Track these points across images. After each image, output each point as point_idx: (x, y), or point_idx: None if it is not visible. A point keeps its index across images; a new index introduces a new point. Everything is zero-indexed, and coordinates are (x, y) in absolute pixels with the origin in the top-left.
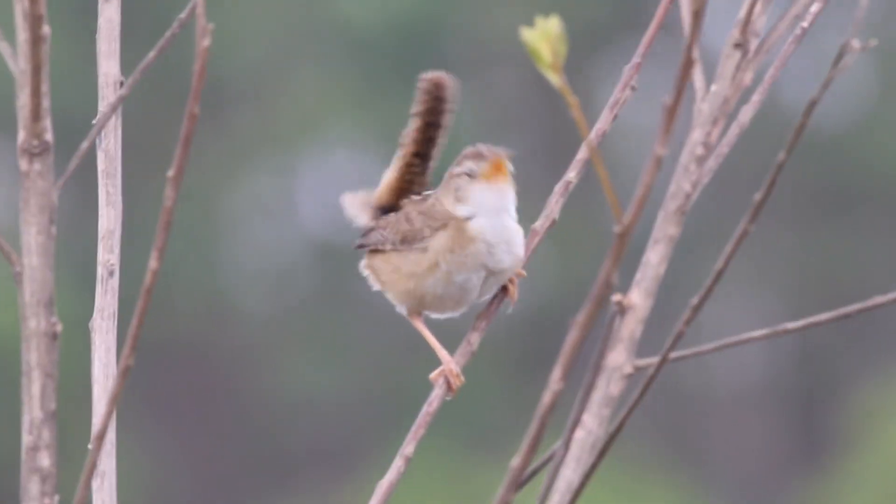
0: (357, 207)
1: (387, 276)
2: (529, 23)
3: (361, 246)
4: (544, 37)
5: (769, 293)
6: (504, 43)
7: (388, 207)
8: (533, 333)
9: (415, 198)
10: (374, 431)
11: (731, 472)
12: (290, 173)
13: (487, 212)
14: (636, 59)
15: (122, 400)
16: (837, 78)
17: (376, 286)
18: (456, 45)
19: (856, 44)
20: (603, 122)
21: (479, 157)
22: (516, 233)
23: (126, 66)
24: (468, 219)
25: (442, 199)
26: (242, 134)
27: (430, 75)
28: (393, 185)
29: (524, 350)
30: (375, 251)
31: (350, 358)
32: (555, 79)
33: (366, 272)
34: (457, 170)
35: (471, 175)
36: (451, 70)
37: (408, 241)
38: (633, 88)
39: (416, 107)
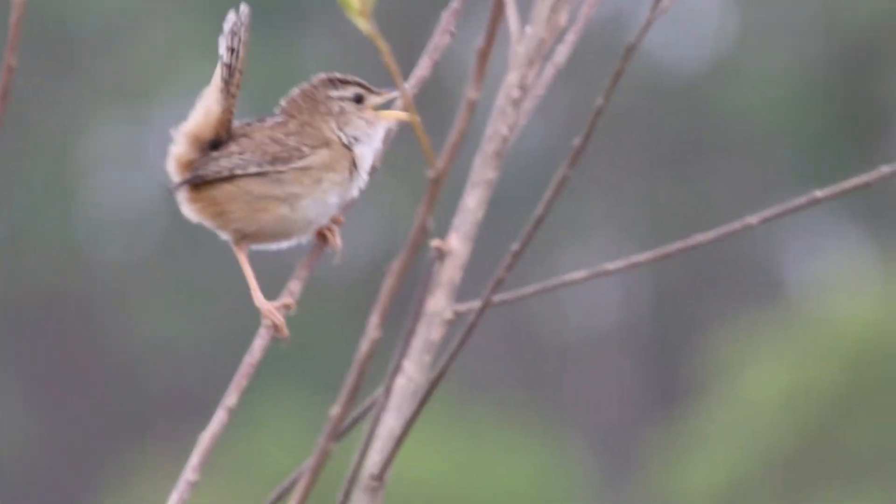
0: (174, 143)
1: (242, 205)
2: None
3: (196, 178)
4: None
5: (627, 241)
6: None
7: (213, 141)
8: (362, 278)
9: (261, 123)
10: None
11: (588, 418)
12: (143, 122)
13: (368, 141)
14: (454, 4)
15: None
16: (702, 17)
17: (209, 220)
18: None
19: None
20: (422, 68)
21: (364, 86)
22: (369, 166)
23: None
24: (350, 143)
25: (314, 121)
26: (96, 83)
27: (246, 8)
28: (220, 118)
29: (355, 295)
30: (218, 182)
31: (204, 303)
32: (363, 25)
33: (193, 206)
34: (336, 93)
35: (359, 101)
36: (302, 14)
37: (281, 160)
38: (451, 34)
39: (241, 39)
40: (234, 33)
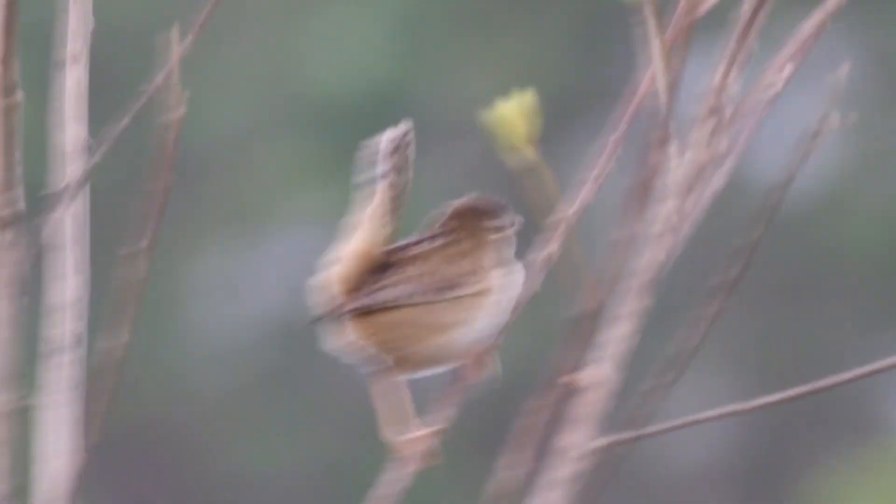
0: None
1: (403, 331)
2: (503, 93)
3: (361, 307)
4: (520, 111)
5: (734, 376)
6: (473, 113)
7: (376, 268)
8: (497, 411)
9: (416, 248)
10: None
11: None
12: (250, 249)
13: (517, 272)
14: (621, 128)
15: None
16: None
17: (371, 349)
18: (425, 116)
19: (835, 118)
20: (586, 194)
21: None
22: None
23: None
24: (504, 273)
25: (481, 254)
26: (206, 207)
27: (409, 125)
28: (385, 241)
29: (487, 427)
30: (381, 311)
31: (310, 436)
32: (530, 153)
33: (355, 336)
34: (494, 222)
35: (509, 227)
36: (420, 141)
37: (443, 290)
38: (617, 159)
39: (408, 157)
40: (398, 151)
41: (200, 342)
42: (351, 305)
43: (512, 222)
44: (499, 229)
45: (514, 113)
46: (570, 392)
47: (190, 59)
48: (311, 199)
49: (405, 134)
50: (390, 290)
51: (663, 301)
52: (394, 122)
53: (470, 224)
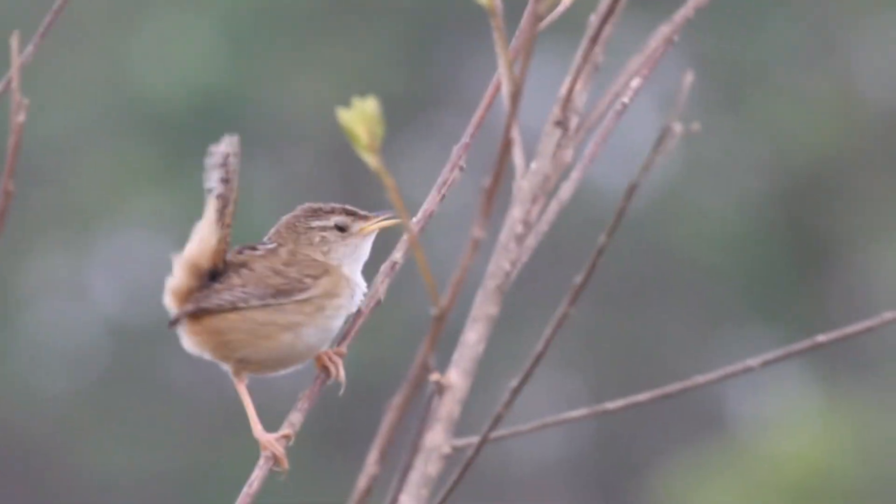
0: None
1: (245, 334)
2: (334, 100)
3: (197, 311)
4: (361, 118)
5: (569, 374)
6: (302, 116)
7: (210, 270)
8: (342, 412)
9: (254, 252)
10: None
11: None
12: (83, 251)
13: (352, 262)
14: (465, 139)
15: None
16: (626, 154)
17: (210, 350)
18: (256, 122)
19: (677, 128)
20: (430, 203)
21: (349, 213)
22: (363, 285)
23: None
24: (339, 266)
25: (304, 250)
26: (35, 211)
27: (236, 138)
28: (216, 248)
29: (335, 428)
30: (221, 312)
31: (148, 438)
32: (372, 160)
33: (193, 338)
34: (317, 223)
35: (342, 229)
36: (250, 145)
37: (284, 293)
38: (461, 169)
39: (234, 168)
40: (225, 163)
41: (37, 344)
42: (178, 312)
43: (341, 224)
44: (323, 229)
45: (355, 120)
46: (437, 391)
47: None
48: (142, 202)
49: (231, 147)
50: (215, 297)
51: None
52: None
53: (293, 233)
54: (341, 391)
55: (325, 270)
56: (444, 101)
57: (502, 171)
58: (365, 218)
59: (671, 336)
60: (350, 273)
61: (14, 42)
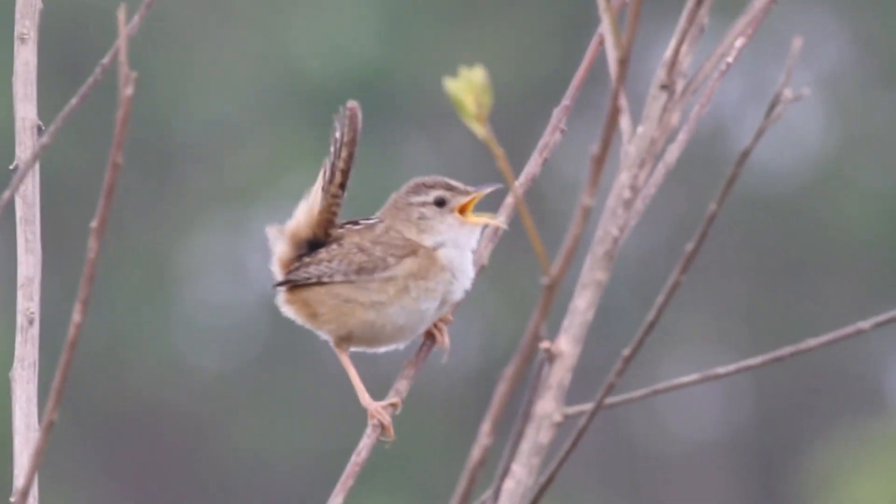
0: (277, 241)
1: (330, 308)
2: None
3: (288, 282)
4: (469, 87)
5: (726, 351)
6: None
7: (312, 240)
8: (467, 382)
9: (354, 227)
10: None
11: None
12: (242, 230)
13: (455, 245)
14: (565, 101)
15: (49, 455)
16: (786, 132)
17: (305, 321)
18: (411, 99)
19: (788, 94)
20: (532, 166)
21: (449, 188)
22: (471, 268)
23: (47, 109)
24: (436, 248)
25: (397, 226)
26: (195, 190)
27: (351, 105)
28: (318, 218)
29: (459, 400)
30: (308, 285)
31: (305, 415)
32: (479, 130)
33: (288, 307)
34: (417, 199)
35: (441, 203)
36: (404, 122)
37: (366, 270)
38: (562, 131)
39: (344, 137)
40: (339, 132)
41: (195, 323)
42: (276, 282)
43: (441, 198)
44: (422, 205)
45: (462, 90)
46: (547, 359)
47: (180, 45)
48: (300, 180)
49: (344, 115)
50: (303, 269)
51: (624, 273)
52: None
53: (394, 209)
54: (444, 358)
55: (413, 251)
56: (599, 79)
57: (610, 138)
58: (465, 192)
59: (829, 313)
60: (449, 258)
61: (121, 15)
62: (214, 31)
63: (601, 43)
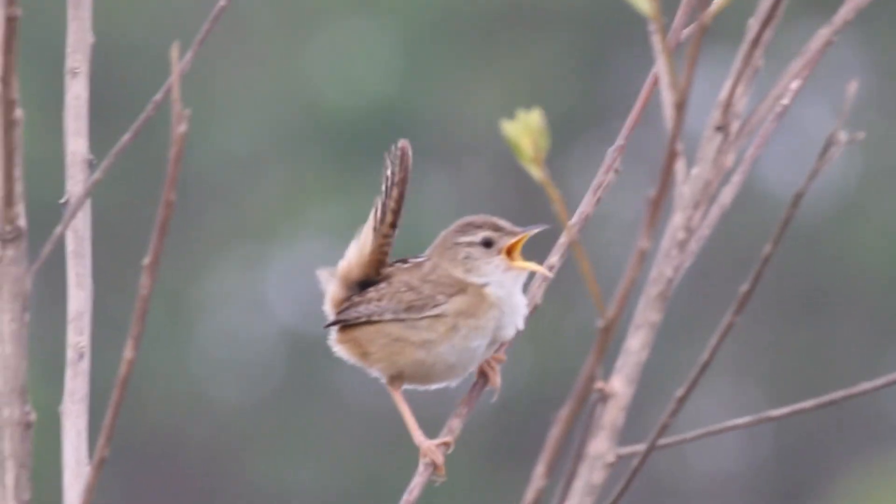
0: (329, 282)
1: (381, 347)
2: (505, 112)
3: (338, 322)
4: (526, 130)
5: (747, 384)
6: (478, 131)
7: (363, 280)
8: (508, 421)
9: (403, 265)
10: None
11: None
12: (260, 263)
13: (500, 286)
14: (620, 141)
15: (100, 492)
16: (822, 169)
17: (356, 360)
18: (430, 133)
19: (842, 136)
20: (586, 206)
21: (496, 228)
22: (523, 306)
23: (95, 144)
24: (484, 286)
25: (444, 265)
26: (213, 223)
27: (402, 143)
28: (369, 258)
29: (497, 438)
30: (359, 324)
31: (324, 448)
32: (537, 172)
33: (340, 346)
34: (464, 238)
35: (489, 244)
36: (425, 158)
37: (415, 308)
38: (616, 171)
39: (395, 176)
40: (390, 170)
41: (214, 356)
42: (329, 321)
43: (488, 239)
44: (469, 245)
45: (520, 132)
46: (601, 399)
47: (197, 77)
48: (319, 214)
49: (397, 153)
50: (353, 309)
51: (677, 313)
52: (396, 137)
53: (441, 248)
54: (494, 398)
55: (461, 289)
56: (618, 113)
57: (668, 181)
58: (512, 233)
59: (849, 347)
60: (499, 294)
61: (174, 52)
62: (233, 64)
63: (655, 83)
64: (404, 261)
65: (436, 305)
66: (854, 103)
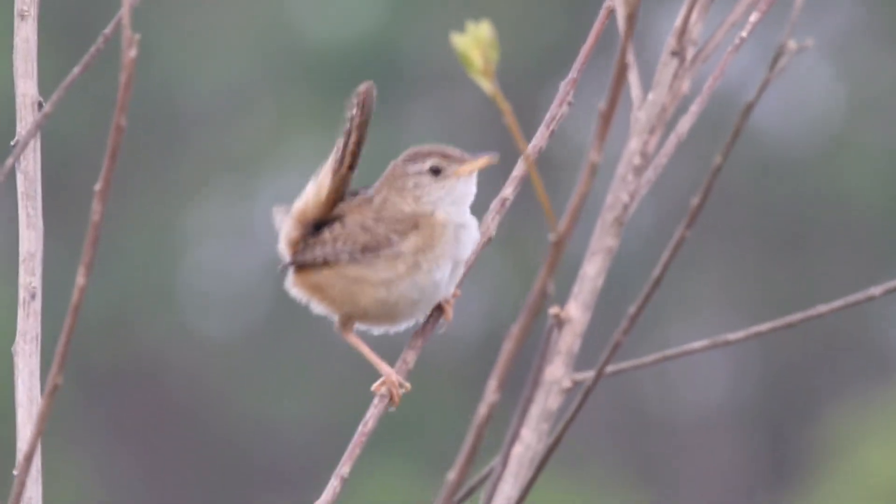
0: (283, 221)
1: (341, 289)
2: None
3: (295, 263)
4: (475, 42)
5: (734, 318)
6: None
7: (318, 221)
8: (474, 351)
9: (352, 200)
10: (331, 456)
11: (697, 495)
12: (247, 196)
13: (452, 202)
14: (572, 74)
15: (54, 421)
16: (809, 92)
17: (315, 301)
18: (413, 65)
19: (792, 44)
20: (539, 139)
21: (446, 156)
22: (473, 220)
23: (48, 86)
24: (433, 212)
25: (393, 198)
26: (200, 156)
27: (364, 87)
28: (325, 199)
29: (467, 368)
30: (316, 266)
31: (309, 380)
32: (486, 85)
33: (297, 289)
34: (413, 167)
35: (437, 172)
36: (408, 89)
37: (371, 249)
38: (569, 104)
39: (356, 119)
40: (351, 113)
41: (201, 289)
42: (283, 263)
43: (436, 167)
44: (417, 174)
45: (469, 45)
46: (557, 325)
47: (185, 11)
48: (305, 146)
49: (359, 95)
50: (309, 251)
51: (635, 244)
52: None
53: (390, 179)
54: (443, 330)
55: (415, 224)
56: (605, 48)
57: (618, 94)
58: (461, 160)
59: (835, 279)
60: (448, 215)
61: None
62: None
63: (609, 15)
64: (354, 193)
65: (391, 245)
66: (840, 35)
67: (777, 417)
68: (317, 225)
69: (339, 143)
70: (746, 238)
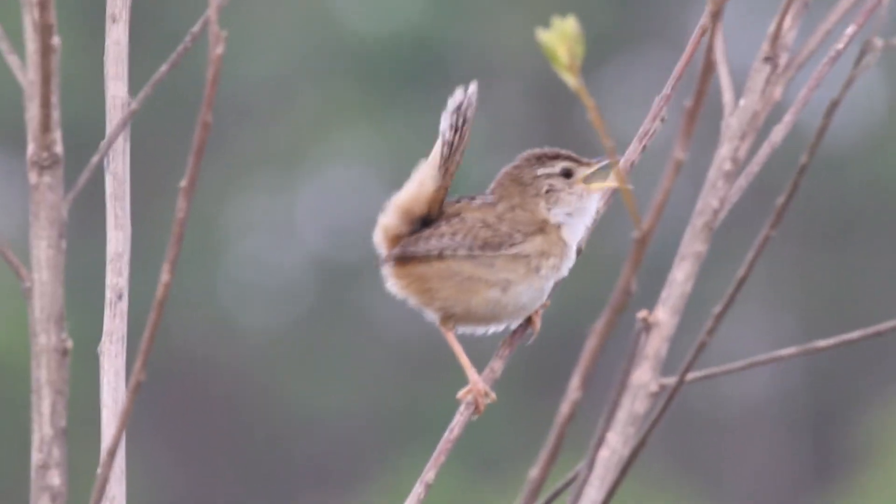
0: (383, 213)
1: (451, 286)
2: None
3: (405, 255)
4: (561, 37)
5: (781, 314)
6: (507, 56)
7: (424, 217)
8: (552, 353)
9: (471, 203)
10: (376, 451)
11: (741, 492)
12: (289, 189)
13: (581, 214)
14: (666, 90)
15: (130, 419)
16: (850, 89)
17: (414, 296)
18: (459, 59)
19: (878, 42)
20: (631, 153)
21: (574, 159)
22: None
23: (136, 85)
24: (559, 224)
25: (524, 202)
26: (243, 150)
27: (472, 87)
28: (433, 195)
29: (538, 371)
30: (426, 259)
31: (352, 375)
32: (572, 80)
33: (397, 282)
34: (544, 170)
35: (568, 175)
36: (451, 82)
37: (491, 246)
38: (662, 120)
39: (468, 115)
40: (459, 111)
41: (242, 282)
42: (386, 255)
43: (567, 169)
44: (549, 176)
45: (555, 40)
46: (644, 329)
47: (228, 4)
48: (347, 141)
49: (468, 95)
50: (422, 243)
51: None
52: (429, 66)
53: (518, 183)
54: (531, 340)
55: (540, 229)
56: (653, 35)
57: (704, 90)
58: (587, 164)
59: (884, 273)
60: (568, 236)
61: None
62: None
63: (703, 33)
64: (471, 198)
65: (513, 244)
66: (882, 28)
67: (821, 415)
68: (423, 221)
69: (447, 137)
70: (790, 233)
